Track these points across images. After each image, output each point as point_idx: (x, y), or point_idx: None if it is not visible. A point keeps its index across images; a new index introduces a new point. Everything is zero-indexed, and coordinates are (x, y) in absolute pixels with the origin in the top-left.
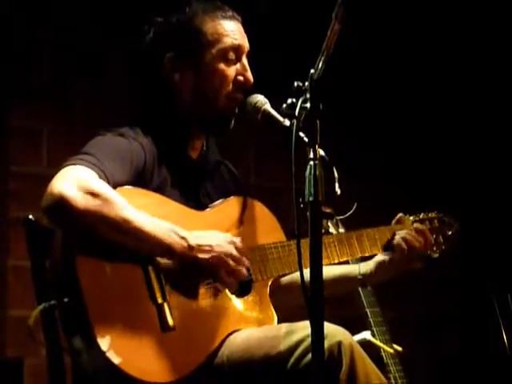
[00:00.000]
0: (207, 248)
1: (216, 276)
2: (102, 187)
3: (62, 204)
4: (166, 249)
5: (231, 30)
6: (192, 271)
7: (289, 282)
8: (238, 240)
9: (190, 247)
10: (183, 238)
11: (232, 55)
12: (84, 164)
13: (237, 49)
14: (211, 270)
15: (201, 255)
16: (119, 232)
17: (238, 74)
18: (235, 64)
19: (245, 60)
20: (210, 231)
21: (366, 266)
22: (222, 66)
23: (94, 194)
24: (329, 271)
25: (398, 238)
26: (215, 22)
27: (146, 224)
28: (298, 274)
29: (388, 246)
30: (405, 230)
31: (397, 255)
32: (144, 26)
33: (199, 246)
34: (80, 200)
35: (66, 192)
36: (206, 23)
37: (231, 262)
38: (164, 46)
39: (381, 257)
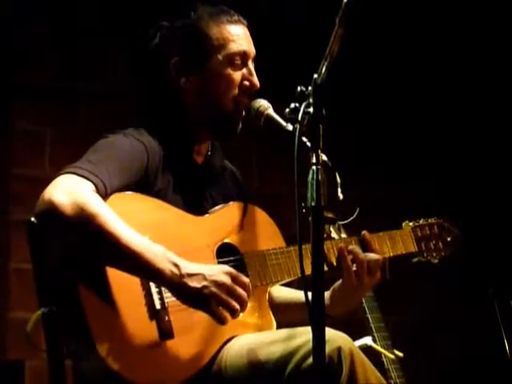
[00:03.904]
0: (199, 277)
1: (204, 307)
2: (94, 200)
3: (51, 212)
4: (154, 272)
5: (237, 35)
6: (181, 299)
7: (281, 302)
8: (235, 272)
9: (181, 275)
10: (175, 264)
11: (238, 60)
12: (80, 173)
13: (243, 54)
14: (200, 300)
15: (191, 284)
16: (106, 246)
17: (243, 78)
18: (241, 69)
19: (251, 65)
20: (206, 265)
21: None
22: (228, 71)
23: (84, 206)
24: (287, 294)
25: (339, 261)
26: (221, 27)
27: (136, 243)
28: (290, 293)
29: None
30: (346, 249)
31: (345, 275)
32: (150, 30)
33: (190, 274)
34: (69, 210)
35: (57, 200)
36: (212, 28)
37: (223, 295)
38: (170, 51)
39: (332, 288)
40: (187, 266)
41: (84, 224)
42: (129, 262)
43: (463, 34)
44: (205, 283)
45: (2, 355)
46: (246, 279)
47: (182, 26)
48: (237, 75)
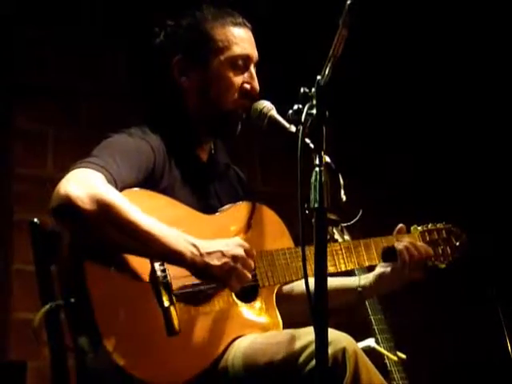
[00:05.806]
0: (218, 254)
1: (226, 281)
2: (109, 191)
3: (69, 205)
4: (176, 255)
5: (241, 38)
6: (203, 277)
7: (289, 292)
8: (246, 244)
9: (201, 254)
10: (194, 245)
11: (240, 63)
12: (92, 167)
13: (245, 58)
14: (222, 276)
15: (212, 262)
16: (127, 235)
17: (244, 82)
18: (243, 72)
19: (252, 69)
20: (219, 239)
21: (366, 279)
22: (229, 73)
23: (101, 197)
24: (328, 282)
25: (400, 247)
26: (226, 29)
27: (155, 229)
28: (298, 284)
29: (387, 256)
30: (406, 240)
31: (398, 265)
32: (155, 28)
33: (209, 253)
34: (87, 202)
35: (73, 194)
36: (217, 29)
37: (239, 266)
38: (173, 49)
39: (380, 269)
40: (205, 245)
41: (102, 214)
42: (150, 247)
43: (462, 34)
44: (224, 260)
45: (4, 356)
46: (252, 250)
47: (186, 25)
48: (237, 79)
